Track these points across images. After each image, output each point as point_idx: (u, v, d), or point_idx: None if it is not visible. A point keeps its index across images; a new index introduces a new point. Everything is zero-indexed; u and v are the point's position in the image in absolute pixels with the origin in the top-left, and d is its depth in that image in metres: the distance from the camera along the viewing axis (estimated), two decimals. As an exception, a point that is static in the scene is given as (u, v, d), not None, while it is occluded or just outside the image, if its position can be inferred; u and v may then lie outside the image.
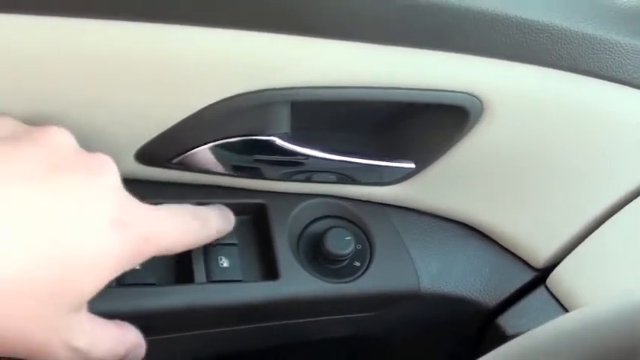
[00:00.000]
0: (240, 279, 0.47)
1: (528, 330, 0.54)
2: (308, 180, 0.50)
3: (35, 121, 0.38)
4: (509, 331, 0.56)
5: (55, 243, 0.33)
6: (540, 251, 0.56)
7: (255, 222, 0.50)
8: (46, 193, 0.33)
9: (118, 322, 0.40)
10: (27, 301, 0.32)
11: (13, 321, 0.33)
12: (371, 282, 0.51)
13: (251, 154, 0.46)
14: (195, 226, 0.42)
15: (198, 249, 0.46)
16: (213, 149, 0.45)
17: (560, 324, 0.28)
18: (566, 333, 0.27)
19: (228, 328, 0.50)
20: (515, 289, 0.58)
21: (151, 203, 0.43)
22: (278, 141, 0.45)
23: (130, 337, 0.40)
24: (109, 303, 0.41)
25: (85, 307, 0.36)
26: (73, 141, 0.37)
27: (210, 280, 0.46)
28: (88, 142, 0.41)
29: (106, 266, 0.35)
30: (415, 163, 0.51)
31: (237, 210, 0.48)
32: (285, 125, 0.45)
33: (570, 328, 0.27)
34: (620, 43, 0.44)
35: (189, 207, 0.42)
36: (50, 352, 0.35)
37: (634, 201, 0.53)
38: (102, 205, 0.35)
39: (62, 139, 0.36)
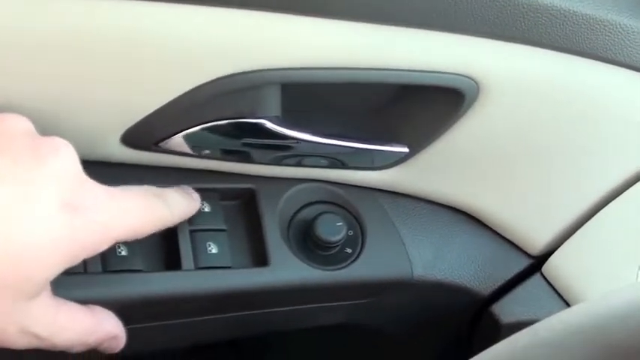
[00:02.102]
0: (229, 265, 0.46)
1: (523, 318, 0.55)
2: (298, 164, 0.50)
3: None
4: (504, 319, 0.56)
5: None
6: (536, 238, 0.56)
7: (244, 207, 0.50)
8: None
9: (96, 310, 0.40)
10: None
11: None
12: (363, 269, 0.51)
13: (240, 138, 0.46)
14: (158, 209, 0.41)
15: (184, 234, 0.45)
16: (201, 132, 0.44)
17: (568, 318, 0.27)
18: (577, 327, 0.26)
19: (216, 316, 0.49)
20: (510, 276, 0.57)
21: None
22: (268, 124, 0.45)
23: (106, 327, 0.40)
24: (93, 290, 0.41)
25: (44, 293, 0.35)
26: (26, 126, 0.36)
27: (198, 267, 0.45)
28: (71, 126, 0.40)
29: (56, 251, 0.34)
30: (409, 147, 0.50)
31: (225, 195, 0.48)
32: (276, 108, 0.45)
33: (580, 323, 0.26)
34: (620, 25, 0.44)
35: (149, 188, 0.41)
36: (7, 338, 0.35)
37: (632, 187, 0.53)
38: (50, 189, 0.34)
39: (12, 125, 0.36)
